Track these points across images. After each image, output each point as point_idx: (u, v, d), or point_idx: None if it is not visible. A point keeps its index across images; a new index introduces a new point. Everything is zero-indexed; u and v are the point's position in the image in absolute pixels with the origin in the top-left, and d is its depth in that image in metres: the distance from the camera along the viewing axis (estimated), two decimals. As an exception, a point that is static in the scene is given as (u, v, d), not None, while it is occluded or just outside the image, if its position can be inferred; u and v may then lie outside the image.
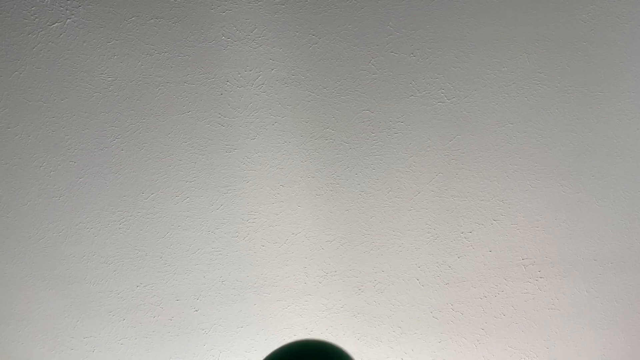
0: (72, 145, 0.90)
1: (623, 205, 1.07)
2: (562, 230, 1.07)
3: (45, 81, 0.86)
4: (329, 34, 0.88)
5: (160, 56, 0.86)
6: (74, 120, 0.89)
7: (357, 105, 0.93)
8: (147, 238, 0.98)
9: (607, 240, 1.09)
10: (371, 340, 1.10)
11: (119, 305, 1.02)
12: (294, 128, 0.94)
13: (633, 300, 1.14)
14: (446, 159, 0.98)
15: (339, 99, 0.93)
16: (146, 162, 0.93)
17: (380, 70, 0.91)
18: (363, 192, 0.99)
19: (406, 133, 0.96)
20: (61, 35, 0.83)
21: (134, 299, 1.02)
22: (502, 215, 1.04)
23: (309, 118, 0.93)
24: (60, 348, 1.04)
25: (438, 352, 1.13)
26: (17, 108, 0.87)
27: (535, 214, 1.05)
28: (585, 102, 0.98)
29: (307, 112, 0.93)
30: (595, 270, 1.11)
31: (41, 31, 0.83)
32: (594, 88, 0.98)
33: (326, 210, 1.00)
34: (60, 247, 0.97)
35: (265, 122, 0.93)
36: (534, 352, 1.16)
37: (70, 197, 0.93)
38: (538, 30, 0.92)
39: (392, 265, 1.05)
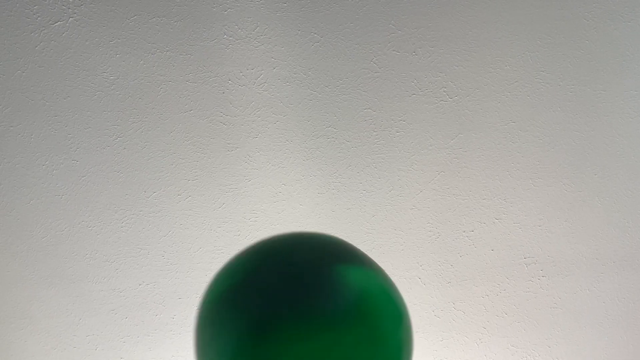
0: (74, 144, 0.90)
1: (625, 204, 1.06)
2: (564, 229, 1.06)
3: (47, 80, 0.86)
4: (330, 33, 0.88)
5: (162, 55, 0.86)
6: (76, 119, 0.89)
7: (359, 104, 0.93)
8: (149, 236, 0.98)
9: (609, 239, 1.09)
10: (373, 339, 1.10)
11: (121, 303, 1.02)
12: (295, 127, 0.94)
13: (635, 299, 1.14)
14: (448, 158, 0.98)
15: (341, 98, 0.92)
16: (148, 160, 0.93)
17: (382, 68, 0.91)
18: (365, 190, 0.99)
19: (408, 132, 0.96)
20: (63, 34, 0.84)
21: (136, 297, 1.02)
22: (504, 214, 1.04)
23: (311, 117, 0.93)
24: (62, 346, 1.04)
25: (440, 350, 1.13)
26: (19, 107, 0.87)
27: (537, 213, 1.04)
28: (588, 100, 0.98)
29: (308, 110, 0.93)
30: (597, 269, 1.11)
31: (43, 30, 0.83)
32: (596, 86, 0.97)
33: (328, 209, 1.00)
34: (63, 246, 0.97)
35: (267, 120, 0.92)
36: (536, 351, 1.16)
37: (73, 195, 0.94)
38: (540, 28, 0.92)
39: (394, 263, 1.05)
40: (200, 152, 0.93)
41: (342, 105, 0.93)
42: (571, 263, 1.09)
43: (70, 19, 0.83)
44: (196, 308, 1.04)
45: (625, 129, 1.01)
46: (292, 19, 0.87)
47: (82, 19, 0.83)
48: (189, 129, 0.92)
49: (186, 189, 0.95)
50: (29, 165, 0.91)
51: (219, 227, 0.99)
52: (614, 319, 1.15)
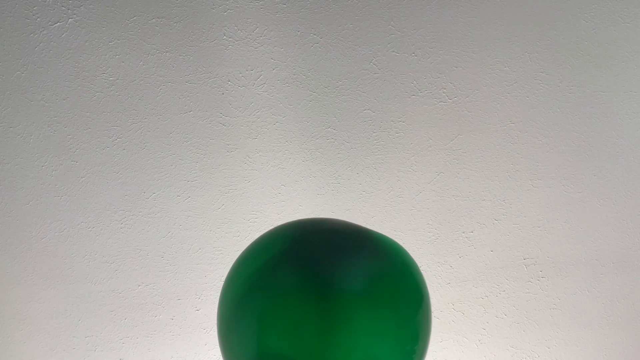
0: (74, 144, 0.90)
1: (625, 205, 1.06)
2: (563, 230, 1.06)
3: (47, 81, 0.86)
4: (330, 34, 0.88)
5: (162, 56, 0.86)
6: (76, 119, 0.89)
7: (359, 105, 0.93)
8: (148, 237, 0.98)
9: (608, 240, 1.09)
10: (372, 340, 1.10)
11: (120, 304, 1.02)
12: (295, 127, 0.94)
13: (634, 300, 1.14)
14: (447, 159, 0.98)
15: (340, 99, 0.93)
16: (147, 161, 0.93)
17: (381, 69, 0.91)
18: (364, 191, 0.99)
19: (407, 133, 0.96)
20: (63, 35, 0.84)
21: (136, 298, 1.02)
22: (504, 215, 1.04)
23: (310, 118, 0.93)
24: (61, 347, 1.04)
25: (439, 351, 1.13)
26: (18, 108, 0.87)
27: (536, 214, 1.05)
28: (587, 101, 0.98)
29: (308, 111, 0.93)
30: (597, 270, 1.11)
31: (43, 31, 0.83)
32: (596, 87, 0.97)
33: (327, 210, 1.00)
34: (62, 247, 0.97)
35: (267, 121, 0.93)
36: (535, 352, 1.16)
37: (72, 196, 0.93)
38: (540, 29, 0.92)
39: (393, 265, 1.05)
40: (200, 153, 0.93)
41: (341, 106, 0.93)
42: (571, 264, 1.09)
43: (70, 19, 0.83)
44: (195, 309, 1.04)
45: (624, 130, 1.01)
46: (291, 20, 0.87)
47: (82, 20, 0.83)
48: (189, 130, 0.92)
49: (186, 190, 0.95)
50: (28, 166, 0.91)
51: (219, 228, 0.98)
52: (613, 320, 1.15)
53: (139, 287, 1.01)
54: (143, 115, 0.90)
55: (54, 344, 1.04)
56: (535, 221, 1.05)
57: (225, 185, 0.96)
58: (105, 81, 0.87)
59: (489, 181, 1.01)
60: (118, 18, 0.83)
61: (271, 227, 0.99)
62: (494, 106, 0.96)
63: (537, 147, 1.00)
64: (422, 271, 1.06)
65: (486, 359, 1.15)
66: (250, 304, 0.35)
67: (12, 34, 0.83)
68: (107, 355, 1.06)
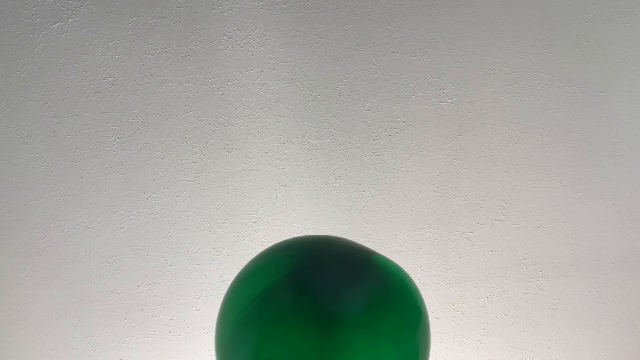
0: (74, 145, 0.90)
1: (625, 206, 1.06)
2: (563, 230, 1.06)
3: (46, 81, 0.86)
4: (330, 34, 0.88)
5: (162, 56, 0.86)
6: (75, 120, 0.89)
7: (359, 105, 0.93)
8: (148, 238, 0.98)
9: (608, 241, 1.09)
10: (372, 340, 1.10)
11: (120, 304, 1.02)
12: (295, 128, 0.94)
13: (634, 300, 1.14)
14: (447, 159, 0.98)
15: (340, 99, 0.93)
16: (147, 161, 0.93)
17: (381, 70, 0.91)
18: (364, 192, 0.99)
19: (407, 133, 0.96)
20: (62, 35, 0.84)
21: (135, 298, 1.02)
22: (504, 215, 1.04)
23: (310, 118, 0.93)
24: (61, 347, 1.04)
25: (439, 352, 1.13)
26: (18, 108, 0.87)
27: (536, 214, 1.04)
28: (586, 102, 0.98)
29: (308, 111, 0.93)
30: (596, 271, 1.11)
31: (43, 31, 0.83)
32: (595, 88, 0.97)
33: (327, 210, 0.99)
34: (62, 247, 0.97)
35: (267, 121, 0.92)
36: (535, 352, 1.16)
37: (72, 196, 0.93)
38: (539, 30, 0.92)
39: (393, 265, 1.05)
40: (200, 153, 0.93)
41: (341, 107, 0.93)
42: (570, 264, 1.09)
43: (70, 20, 0.83)
44: (195, 309, 1.04)
45: (624, 130, 1.01)
46: (291, 20, 0.87)
47: (82, 20, 0.83)
48: (188, 130, 0.91)
49: (185, 190, 0.95)
50: (27, 166, 0.91)
51: (218, 228, 0.98)
52: (613, 320, 1.15)
53: (139, 288, 1.01)
54: (143, 116, 0.90)
55: (53, 343, 1.04)
56: (535, 221, 1.05)
57: (225, 185, 0.96)
58: (104, 81, 0.87)
59: (489, 181, 1.01)
60: (118, 18, 0.83)
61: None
62: (494, 106, 0.96)
63: (536, 147, 1.00)
64: (422, 272, 1.06)
65: (486, 359, 1.15)
66: (250, 331, 0.37)
67: (12, 34, 0.83)
68: (107, 356, 1.06)
